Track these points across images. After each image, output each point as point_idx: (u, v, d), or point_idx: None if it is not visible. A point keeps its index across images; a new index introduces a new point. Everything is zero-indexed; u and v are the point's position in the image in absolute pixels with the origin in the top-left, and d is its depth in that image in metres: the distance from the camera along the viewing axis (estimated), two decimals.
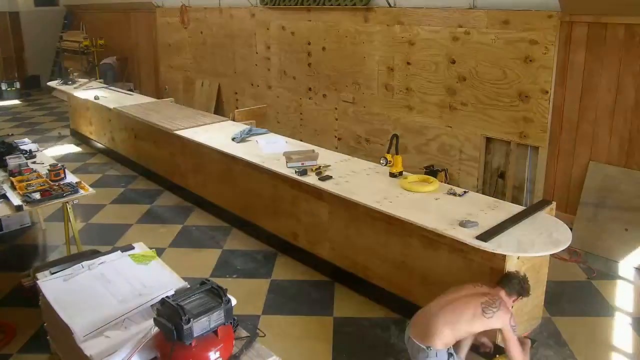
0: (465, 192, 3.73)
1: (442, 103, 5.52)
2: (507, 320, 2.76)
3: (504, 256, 3.06)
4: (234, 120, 6.10)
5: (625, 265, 4.38)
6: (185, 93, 9.74)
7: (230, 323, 2.21)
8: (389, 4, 5.83)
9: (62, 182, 4.18)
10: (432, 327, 2.76)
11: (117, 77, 10.94)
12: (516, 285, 2.89)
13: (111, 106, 6.89)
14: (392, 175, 4.03)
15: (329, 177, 4.03)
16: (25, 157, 4.68)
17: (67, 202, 4.05)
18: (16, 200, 3.86)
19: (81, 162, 7.50)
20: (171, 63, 9.94)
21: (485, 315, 2.74)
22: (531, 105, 4.82)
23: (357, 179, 4.06)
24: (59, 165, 4.36)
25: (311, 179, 4.06)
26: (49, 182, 4.17)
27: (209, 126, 5.75)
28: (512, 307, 2.90)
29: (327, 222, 4.21)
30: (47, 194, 3.93)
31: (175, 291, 2.36)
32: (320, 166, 4.20)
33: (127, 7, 11.20)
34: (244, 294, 4.07)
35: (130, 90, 9.18)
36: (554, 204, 3.57)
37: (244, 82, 8.30)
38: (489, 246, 3.01)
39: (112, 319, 2.45)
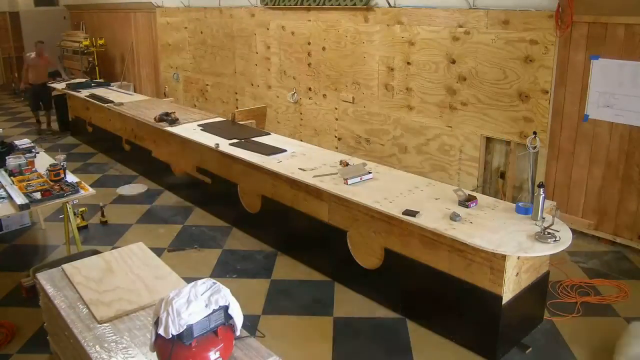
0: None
1: (442, 103, 5.52)
2: None
3: (504, 256, 3.07)
4: (233, 120, 6.10)
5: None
6: (185, 93, 9.75)
7: (230, 323, 2.21)
8: (389, 4, 5.83)
9: (62, 182, 4.18)
10: None
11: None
12: None
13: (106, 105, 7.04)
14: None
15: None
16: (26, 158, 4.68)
17: (67, 202, 4.05)
18: (20, 199, 3.86)
19: (81, 162, 7.50)
20: (171, 63, 9.93)
21: None
22: (531, 105, 4.83)
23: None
24: (59, 165, 4.36)
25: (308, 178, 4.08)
26: (49, 182, 4.17)
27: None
28: None
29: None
30: (48, 194, 3.94)
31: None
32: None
33: (127, 7, 11.20)
34: (244, 294, 4.07)
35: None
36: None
37: (244, 82, 8.30)
38: (488, 246, 3.02)
39: None
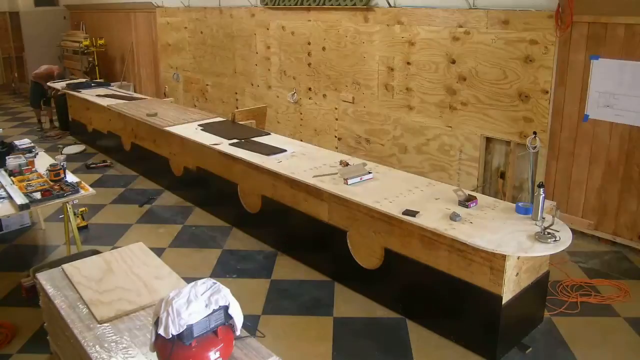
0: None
1: (442, 103, 5.52)
2: None
3: (504, 256, 3.07)
4: (233, 120, 6.10)
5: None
6: (185, 93, 9.74)
7: (230, 323, 2.21)
8: (389, 4, 5.83)
9: (62, 182, 4.18)
10: None
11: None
12: None
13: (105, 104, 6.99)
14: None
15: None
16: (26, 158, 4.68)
17: (67, 202, 4.05)
18: (20, 199, 3.86)
19: (81, 162, 7.50)
20: (171, 63, 9.93)
21: None
22: (531, 105, 4.83)
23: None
24: (59, 165, 4.36)
25: (309, 179, 4.08)
26: (49, 182, 4.17)
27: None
28: None
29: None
30: (48, 194, 3.94)
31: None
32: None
33: (127, 7, 11.20)
34: (244, 294, 4.07)
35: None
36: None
37: (244, 82, 8.30)
38: (488, 246, 3.02)
39: None
